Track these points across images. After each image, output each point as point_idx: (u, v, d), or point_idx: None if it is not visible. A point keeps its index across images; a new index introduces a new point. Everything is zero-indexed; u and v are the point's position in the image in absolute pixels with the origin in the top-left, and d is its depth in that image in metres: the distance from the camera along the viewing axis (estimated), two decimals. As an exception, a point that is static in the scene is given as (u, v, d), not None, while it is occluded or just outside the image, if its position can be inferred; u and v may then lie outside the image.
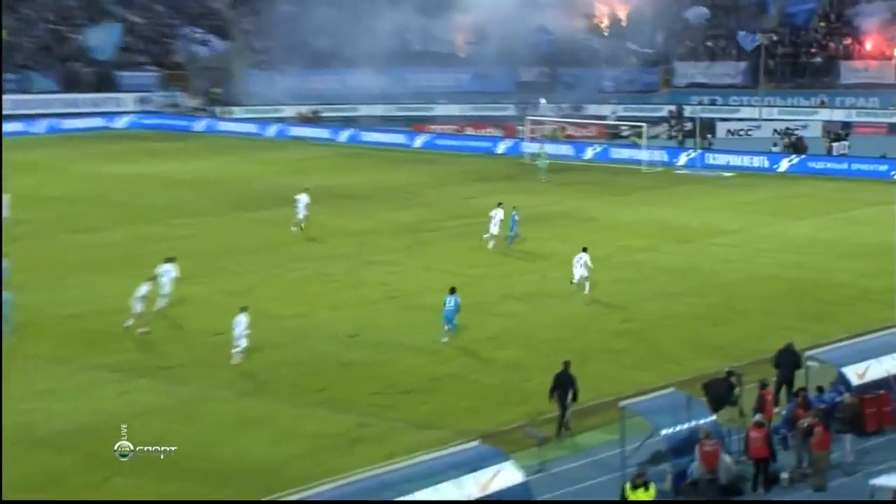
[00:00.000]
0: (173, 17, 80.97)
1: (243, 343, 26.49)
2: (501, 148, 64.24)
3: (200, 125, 72.51)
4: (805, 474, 20.88)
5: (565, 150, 62.22)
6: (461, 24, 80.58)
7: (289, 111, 75.46)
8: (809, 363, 23.14)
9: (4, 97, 59.86)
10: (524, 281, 34.47)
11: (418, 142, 67.40)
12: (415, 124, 72.76)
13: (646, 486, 18.75)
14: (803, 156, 56.33)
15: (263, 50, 79.35)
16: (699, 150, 58.05)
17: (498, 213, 38.66)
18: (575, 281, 32.30)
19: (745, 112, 72.37)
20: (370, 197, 50.10)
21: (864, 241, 39.27)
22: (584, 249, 32.83)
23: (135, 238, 39.56)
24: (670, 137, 66.63)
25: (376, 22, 76.41)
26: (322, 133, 70.12)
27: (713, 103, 74.25)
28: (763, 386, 22.43)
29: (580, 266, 32.19)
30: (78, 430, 22.89)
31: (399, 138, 68.08)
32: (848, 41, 73.81)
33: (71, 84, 74.04)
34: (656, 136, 64.99)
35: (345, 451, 22.27)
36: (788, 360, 23.85)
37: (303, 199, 41.36)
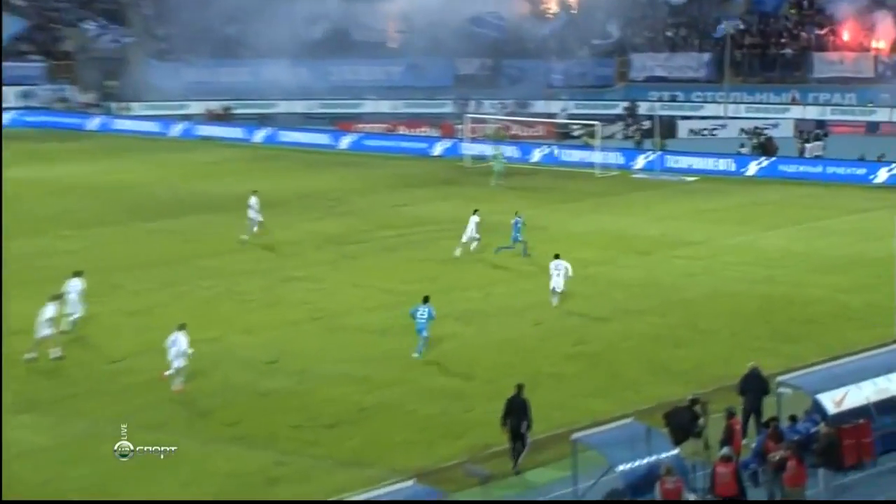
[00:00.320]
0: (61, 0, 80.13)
1: (180, 363, 26.52)
2: (438, 149, 64.50)
3: (93, 123, 71.76)
4: (777, 512, 21.21)
5: (510, 151, 62.52)
6: (392, 10, 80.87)
7: (196, 107, 75.03)
8: (781, 389, 23.51)
9: None
10: (465, 298, 34.58)
11: (344, 142, 67.40)
12: (340, 123, 72.80)
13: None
14: (773, 158, 57.30)
15: (165, 38, 78.80)
16: (658, 152, 58.80)
17: (473, 221, 39.26)
18: (559, 290, 33.19)
19: (709, 109, 73.45)
20: (289, 205, 49.89)
21: (841, 252, 40.09)
22: (557, 256, 33.93)
23: (19, 254, 38.95)
24: (626, 137, 67.41)
25: (294, 7, 76.39)
26: (234, 132, 69.83)
27: (674, 99, 75.28)
28: (730, 415, 22.74)
29: (560, 275, 33.22)
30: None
31: (322, 138, 68.03)
32: (822, 31, 75.25)
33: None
34: (611, 136, 65.75)
35: (262, 492, 22.15)
36: (755, 386, 24.20)
37: (254, 202, 41.95)
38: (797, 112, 71.10)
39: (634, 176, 57.22)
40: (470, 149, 61.21)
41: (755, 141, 61.99)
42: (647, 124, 66.14)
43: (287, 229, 44.65)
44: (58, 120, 71.93)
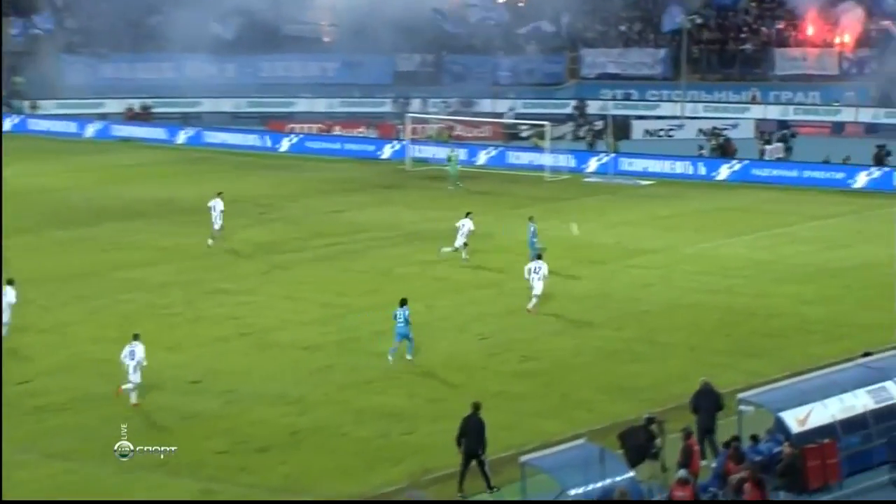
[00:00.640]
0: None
1: (138, 377, 26.77)
2: (377, 151, 64.45)
3: (5, 123, 70.69)
4: (739, 539, 21.37)
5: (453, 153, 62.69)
6: (326, 2, 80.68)
7: (113, 106, 74.30)
8: (742, 407, 23.70)
9: None
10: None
11: (275, 144, 67.08)
12: (271, 123, 72.50)
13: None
14: (734, 161, 57.84)
15: (80, 31, 77.91)
16: (612, 154, 59.19)
17: (466, 225, 39.71)
18: (537, 294, 33.86)
19: (666, 108, 74.03)
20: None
21: (806, 261, 40.60)
22: (539, 257, 34.91)
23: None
24: (578, 139, 67.80)
25: (221, -3, 76.04)
26: (156, 133, 69.31)
27: (628, 98, 75.84)
28: (688, 435, 22.91)
29: (539, 279, 33.96)
30: None
31: (252, 139, 67.71)
32: (783, 25, 76.18)
33: None
34: (561, 137, 66.08)
35: (186, 525, 22.01)
36: (708, 403, 24.41)
37: (217, 205, 42.22)
38: (758, 112, 71.83)
39: (587, 180, 57.55)
40: (411, 150, 61.24)
41: (714, 142, 62.57)
42: (599, 125, 66.53)
43: (214, 238, 44.28)
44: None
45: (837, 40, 74.55)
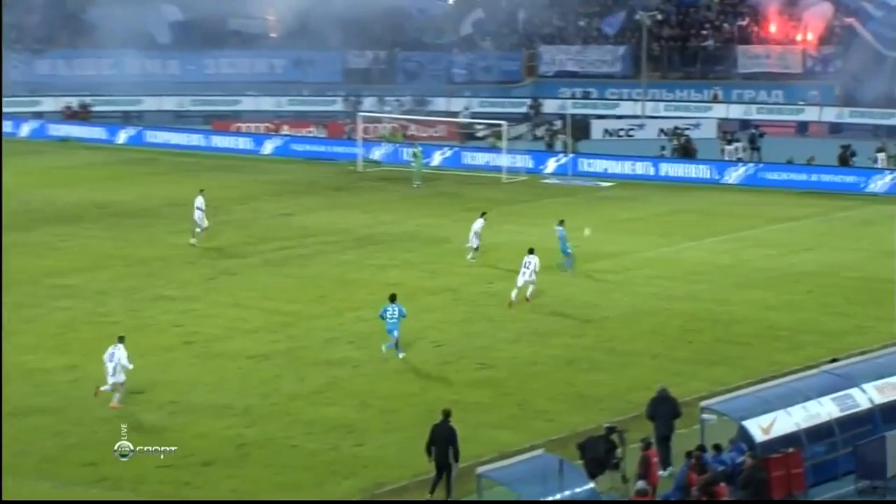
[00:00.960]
0: None
1: (120, 378, 27.27)
2: (326, 151, 64.32)
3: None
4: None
5: (407, 154, 62.72)
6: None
7: (50, 104, 73.67)
8: (705, 416, 23.91)
9: None
10: (358, 319, 34.53)
11: (221, 144, 66.80)
12: (216, 122, 72.19)
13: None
14: (696, 162, 58.22)
15: (14, 25, 77.15)
16: (570, 155, 59.43)
17: (478, 224, 40.16)
18: (517, 291, 35.08)
19: (626, 108, 74.40)
20: (159, 215, 49.33)
21: (769, 265, 40.97)
22: (531, 251, 35.76)
23: None
24: (535, 138, 68.01)
25: (163, -10, 75.69)
26: (95, 132, 68.82)
27: (587, 96, 76.16)
28: (647, 446, 23.04)
29: (530, 272, 35.22)
30: None
31: (196, 139, 67.40)
32: (746, 22, 76.82)
33: None
34: (519, 138, 66.27)
35: (127, 543, 21.87)
36: (665, 411, 24.59)
37: (199, 202, 42.95)
38: (720, 111, 72.37)
39: (545, 181, 57.75)
40: (362, 151, 61.21)
41: (675, 142, 62.97)
42: (557, 124, 66.76)
43: (155, 243, 44.10)
44: None
45: (800, 37, 75.19)
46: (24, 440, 25.78)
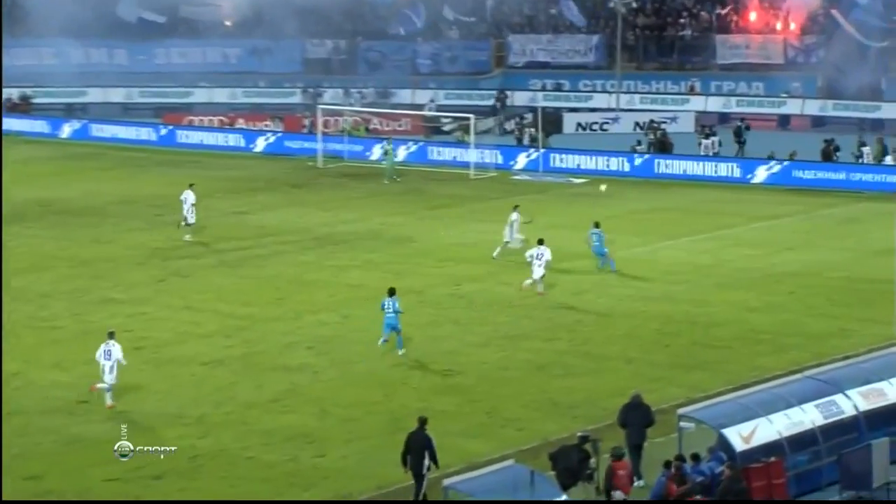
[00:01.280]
0: None
1: (113, 379, 27.92)
2: (284, 146, 64.21)
3: None
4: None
5: (369, 149, 62.70)
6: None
7: (-12, 96, 73.21)
8: (683, 424, 23.98)
9: None
10: (318, 323, 34.50)
11: (172, 138, 66.56)
12: (167, 115, 71.92)
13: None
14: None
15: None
16: (541, 150, 59.54)
17: (515, 218, 40.85)
18: (531, 281, 36.44)
19: (599, 100, 74.56)
20: (105, 213, 49.16)
21: (750, 265, 41.17)
22: (541, 242, 37.01)
23: None
24: (505, 132, 68.08)
25: (109, -24, 75.36)
26: (37, 126, 68.54)
27: (559, 88, 76.28)
28: (616, 457, 22.99)
29: (541, 264, 36.43)
30: None
31: (145, 133, 67.19)
32: (725, 10, 77.11)
33: None
34: (487, 131, 66.32)
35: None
36: (637, 418, 24.68)
37: (189, 197, 43.76)
38: (698, 103, 72.60)
39: (515, 177, 57.85)
40: (323, 146, 61.12)
41: (651, 137, 63.15)
42: (528, 117, 66.87)
43: (102, 243, 43.94)
44: None
45: (780, 26, 75.51)
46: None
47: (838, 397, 25.11)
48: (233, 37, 79.65)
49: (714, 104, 72.80)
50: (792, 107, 71.90)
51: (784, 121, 71.92)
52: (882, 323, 34.21)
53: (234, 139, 66.29)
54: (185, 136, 66.82)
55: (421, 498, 23.22)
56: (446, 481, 21.74)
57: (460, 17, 79.95)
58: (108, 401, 28.12)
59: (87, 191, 52.79)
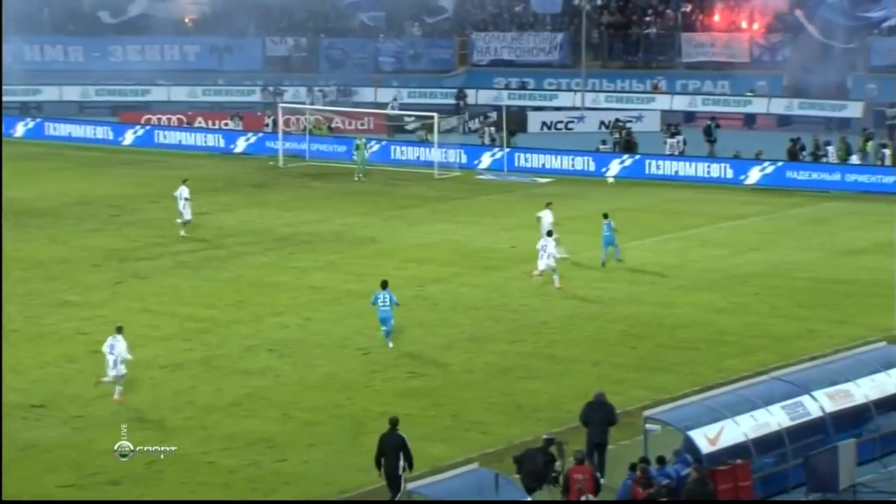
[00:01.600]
0: None
1: (121, 370, 28.30)
2: (244, 145, 64.09)
3: None
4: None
5: (331, 148, 62.68)
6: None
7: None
8: (649, 426, 24.09)
9: None
10: (279, 325, 34.44)
11: (129, 137, 66.33)
12: (124, 113, 71.61)
13: None
14: (637, 156, 58.65)
15: None
16: (507, 150, 59.64)
17: (546, 217, 40.97)
18: (537, 273, 37.34)
19: (564, 99, 74.79)
20: (60, 214, 48.90)
21: (715, 266, 41.38)
22: (550, 234, 38.28)
23: None
24: (469, 131, 68.15)
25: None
26: (-12, 125, 67.97)
27: (523, 87, 76.45)
28: (578, 461, 22.99)
29: (546, 256, 37.30)
30: None
31: (102, 132, 66.88)
32: (690, 8, 77.48)
33: None
34: (451, 130, 66.39)
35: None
36: (598, 417, 24.77)
37: (183, 193, 44.54)
38: (664, 102, 72.92)
39: (479, 177, 57.95)
40: (283, 145, 61.03)
41: (617, 136, 63.35)
42: (492, 116, 66.97)
43: (57, 244, 43.72)
44: None
45: (745, 25, 75.89)
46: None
47: (805, 399, 25.29)
48: (192, 34, 79.39)
49: (679, 103, 73.16)
50: (758, 106, 72.33)
51: (750, 120, 72.32)
52: (848, 324, 34.56)
53: (98, 131, 65.98)
54: (141, 135, 66.51)
55: (398, 499, 23.23)
56: (410, 485, 21.80)
57: (421, 13, 79.88)
58: (116, 395, 28.51)
59: (41, 191, 52.49)
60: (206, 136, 65.98)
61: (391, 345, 32.25)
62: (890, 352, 27.98)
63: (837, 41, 71.41)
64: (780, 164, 56.21)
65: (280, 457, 25.91)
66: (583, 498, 22.11)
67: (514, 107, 70.71)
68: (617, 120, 67.09)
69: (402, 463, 23.32)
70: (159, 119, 70.38)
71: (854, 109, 68.95)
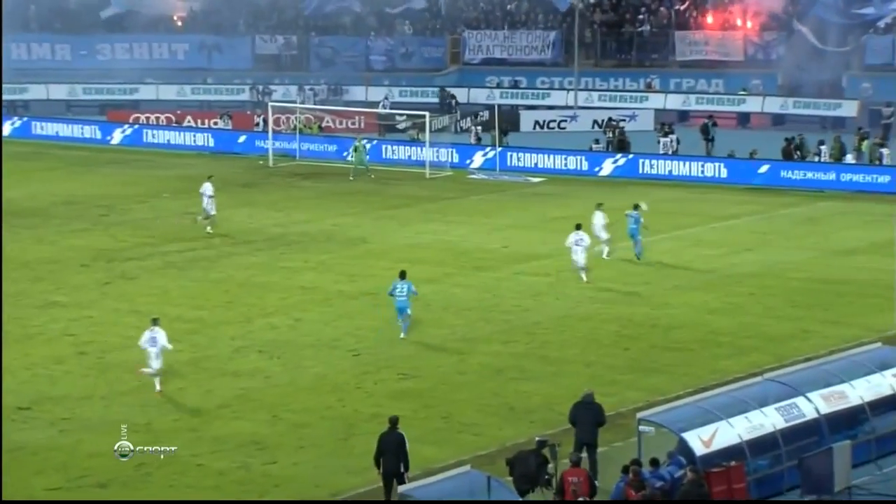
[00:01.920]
0: None
1: (160, 363, 29.07)
2: (233, 145, 64.04)
3: None
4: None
5: (321, 147, 62.67)
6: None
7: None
8: (643, 428, 24.09)
9: None
10: (270, 326, 34.41)
11: (117, 136, 66.25)
12: (112, 112, 71.53)
13: None
14: (631, 155, 58.68)
15: None
16: (499, 149, 59.64)
17: (598, 219, 41.20)
18: (580, 265, 38.20)
19: (557, 97, 74.84)
20: (48, 214, 48.84)
21: (709, 266, 41.41)
22: (578, 227, 38.62)
23: None
24: (461, 131, 68.16)
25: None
26: (-24, 124, 67.90)
27: (516, 86, 76.49)
28: (574, 463, 23.03)
29: (581, 250, 38.14)
30: None
31: (89, 131, 66.78)
32: (684, 6, 77.55)
33: None
34: (443, 129, 66.39)
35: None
36: (587, 416, 24.79)
37: (207, 189, 45.12)
38: (657, 101, 72.99)
39: (471, 177, 57.95)
40: (273, 144, 61.01)
41: (610, 135, 63.35)
42: (484, 115, 66.98)
43: (45, 244, 43.67)
44: None
45: (740, 23, 75.93)
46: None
47: (799, 400, 25.30)
48: (181, 32, 79.32)
49: (673, 102, 73.25)
50: (752, 104, 72.42)
51: (744, 118, 72.41)
52: (843, 324, 34.61)
53: (85, 130, 65.97)
54: (130, 134, 66.45)
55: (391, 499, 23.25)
56: (402, 488, 21.78)
57: (413, 9, 79.84)
58: (157, 386, 29.07)
59: (28, 191, 52.41)
60: (195, 136, 65.90)
61: (403, 335, 32.80)
62: (885, 353, 27.99)
63: (832, 39, 71.51)
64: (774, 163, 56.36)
65: (270, 459, 25.89)
66: (582, 499, 22.08)
67: (507, 106, 70.70)
68: (610, 119, 67.08)
69: (402, 463, 23.31)
70: (148, 118, 70.31)
71: (849, 108, 69.04)
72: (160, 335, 29.17)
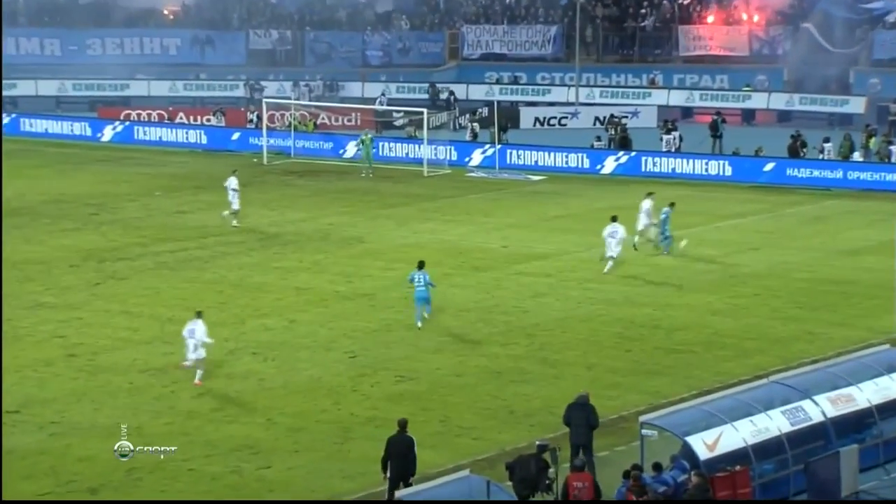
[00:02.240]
0: None
1: (200, 354, 29.65)
2: (227, 142, 64.06)
3: None
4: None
5: (317, 144, 62.70)
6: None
7: None
8: (645, 431, 24.09)
9: None
10: (264, 327, 34.41)
11: (108, 133, 66.25)
12: (102, 109, 71.56)
13: None
14: (633, 153, 58.70)
15: None
16: (499, 146, 59.66)
17: (645, 205, 42.23)
18: (610, 254, 39.13)
19: (558, 94, 74.88)
20: (36, 212, 48.83)
21: (713, 267, 41.44)
22: (614, 219, 39.61)
23: None
24: (458, 128, 68.21)
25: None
26: (-36, 120, 67.94)
27: (516, 82, 76.52)
28: (578, 467, 23.06)
29: (616, 242, 39.05)
30: None
31: (79, 128, 66.82)
32: (687, 0, 77.59)
33: None
34: (441, 126, 66.42)
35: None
36: (579, 418, 24.82)
37: (232, 182, 45.80)
38: (660, 97, 73.02)
39: (470, 175, 57.96)
40: (267, 142, 61.02)
41: (612, 132, 63.39)
42: (484, 111, 67.01)
43: (33, 244, 43.65)
44: None
45: (746, 17, 75.97)
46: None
47: (805, 403, 25.32)
48: (173, 27, 79.33)
49: (676, 98, 73.30)
50: (757, 101, 72.46)
51: (749, 115, 72.44)
52: (849, 326, 34.63)
53: (75, 127, 66.15)
54: (121, 131, 66.46)
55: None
56: (399, 492, 21.78)
57: (410, 4, 79.88)
58: (197, 378, 29.67)
59: (17, 189, 52.38)
60: (187, 133, 65.91)
61: (420, 324, 33.75)
62: (893, 355, 28.01)
63: (839, 34, 71.53)
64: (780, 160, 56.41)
65: (264, 463, 25.90)
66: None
67: (506, 102, 70.72)
68: (612, 115, 67.15)
69: (411, 467, 23.32)
70: (139, 115, 70.34)
71: (856, 105, 69.09)
72: (199, 327, 29.75)
